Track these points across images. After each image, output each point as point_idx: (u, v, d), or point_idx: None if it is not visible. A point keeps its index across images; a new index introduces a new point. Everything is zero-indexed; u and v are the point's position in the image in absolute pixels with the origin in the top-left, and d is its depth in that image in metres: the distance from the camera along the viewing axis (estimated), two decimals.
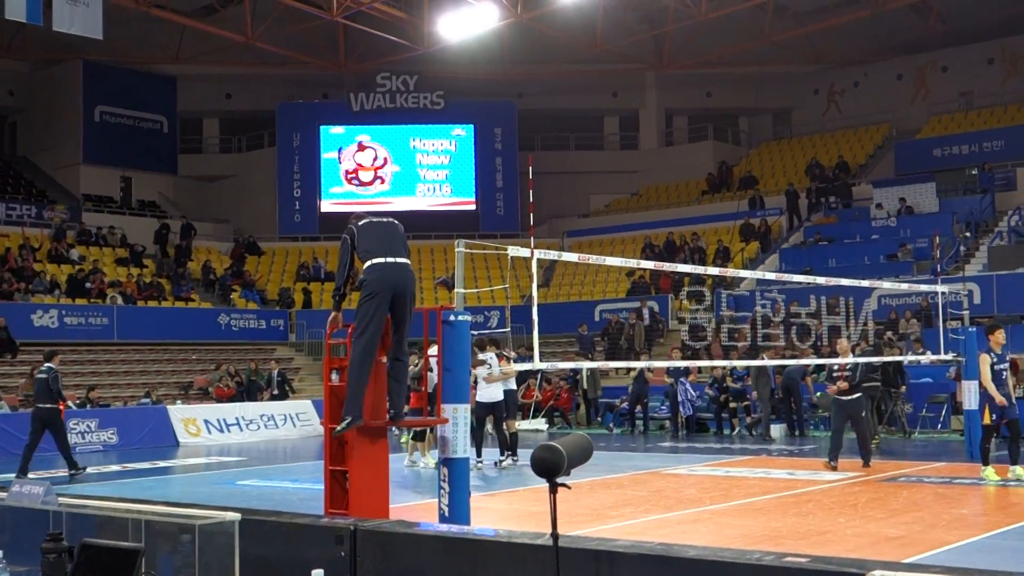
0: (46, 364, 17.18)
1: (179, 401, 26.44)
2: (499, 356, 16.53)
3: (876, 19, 36.05)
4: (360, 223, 8.98)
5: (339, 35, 37.95)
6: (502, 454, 16.81)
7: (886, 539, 9.65)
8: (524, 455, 15.87)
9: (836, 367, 15.67)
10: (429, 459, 16.50)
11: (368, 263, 8.77)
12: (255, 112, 41.36)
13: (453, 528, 6.96)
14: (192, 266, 35.44)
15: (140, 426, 23.25)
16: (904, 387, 21.35)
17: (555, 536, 4.46)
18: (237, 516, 5.30)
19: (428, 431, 16.25)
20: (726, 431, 23.27)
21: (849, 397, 15.39)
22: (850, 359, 15.61)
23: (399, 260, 8.73)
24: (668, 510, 11.90)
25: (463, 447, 9.29)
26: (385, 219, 9.08)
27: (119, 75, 38.79)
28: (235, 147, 43.42)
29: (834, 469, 15.05)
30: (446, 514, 9.13)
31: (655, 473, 15.89)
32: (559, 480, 4.47)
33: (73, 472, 16.84)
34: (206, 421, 24.32)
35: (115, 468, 18.59)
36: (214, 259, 36.67)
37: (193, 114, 42.06)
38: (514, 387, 17.40)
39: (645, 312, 28.74)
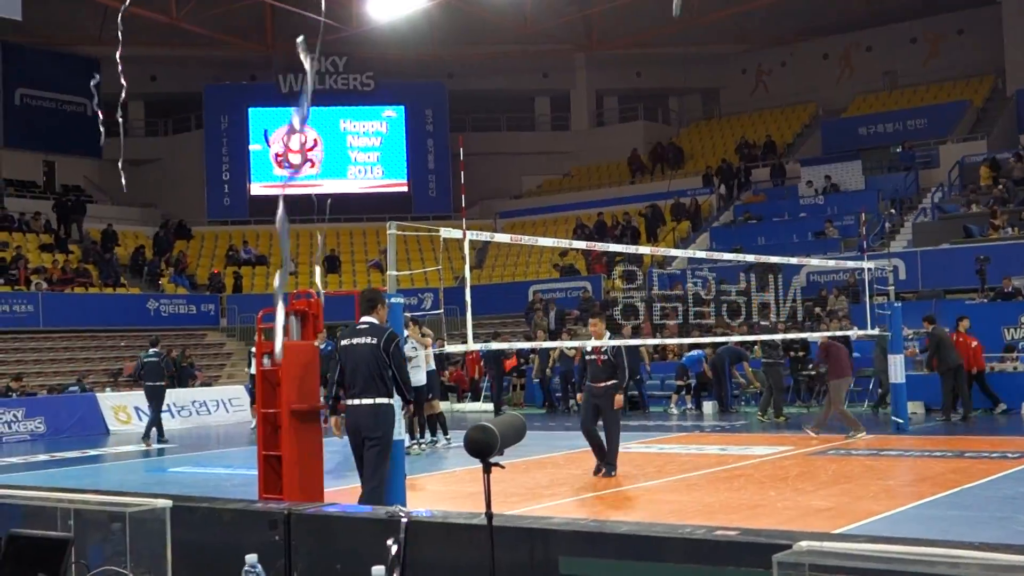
0: (152, 349, 20.35)
1: (108, 388, 26.07)
2: (413, 322, 16.28)
3: (802, 0, 36.49)
4: (341, 343, 9.00)
5: (266, 16, 37.51)
6: (422, 436, 16.72)
7: (815, 511, 9.82)
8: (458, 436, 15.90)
9: (590, 349, 13.13)
10: None
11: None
12: (181, 94, 40.76)
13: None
14: (120, 251, 34.88)
15: (69, 415, 22.90)
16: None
17: (489, 515, 4.48)
18: (168, 503, 5.25)
19: None
20: (664, 408, 23.48)
21: (602, 385, 12.78)
22: (606, 341, 12.84)
23: (357, 402, 8.74)
24: (603, 487, 11.99)
25: (398, 429, 9.28)
26: (359, 340, 8.86)
27: (40, 57, 37.96)
28: (161, 130, 42.78)
29: (607, 475, 12.69)
30: None
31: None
32: (492, 460, 4.48)
33: (152, 442, 19.79)
34: (137, 408, 24.00)
35: (43, 457, 18.31)
36: (142, 244, 36.11)
37: (117, 97, 40.99)
38: (434, 368, 17.31)
39: (552, 313, 28.56)
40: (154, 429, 20.18)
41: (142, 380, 20.47)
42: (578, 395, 14.52)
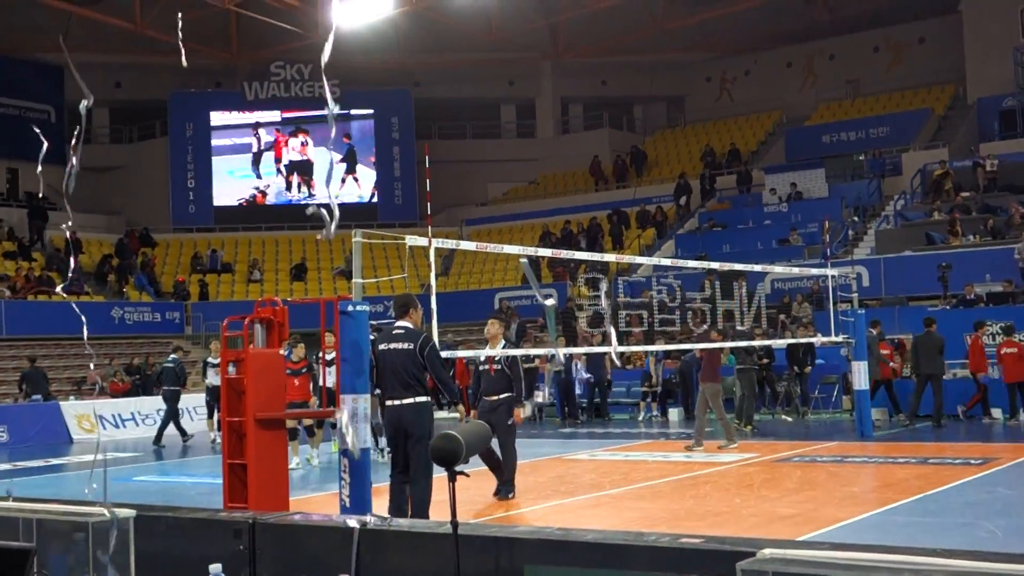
0: (172, 355, 21.80)
1: (72, 397, 25.83)
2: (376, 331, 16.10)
3: (765, 8, 36.81)
4: (379, 347, 9.31)
5: (231, 23, 37.37)
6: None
7: (780, 518, 9.86)
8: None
9: (483, 359, 11.87)
10: (311, 457, 16.27)
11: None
12: (146, 102, 40.48)
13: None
14: (83, 259, 34.59)
15: (32, 423, 22.68)
16: (809, 368, 21.80)
17: (454, 524, 4.48)
18: (132, 512, 5.21)
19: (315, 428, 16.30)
20: (630, 415, 23.56)
21: (494, 398, 11.67)
22: (499, 350, 11.73)
23: (396, 402, 9.18)
24: (568, 495, 12.00)
25: (363, 438, 9.26)
26: (396, 345, 9.19)
27: (2, 64, 37.63)
28: (126, 137, 42.47)
29: (504, 496, 11.58)
30: (347, 505, 9.10)
31: (556, 459, 16.00)
32: (458, 468, 4.49)
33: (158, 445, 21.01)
34: (100, 416, 23.81)
35: (5, 467, 18.10)
36: (107, 252, 35.83)
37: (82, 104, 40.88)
38: None
39: (514, 326, 28.42)
40: (178, 430, 21.47)
41: (161, 385, 21.81)
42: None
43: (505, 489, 11.65)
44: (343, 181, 39.15)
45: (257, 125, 39.27)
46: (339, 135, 39.46)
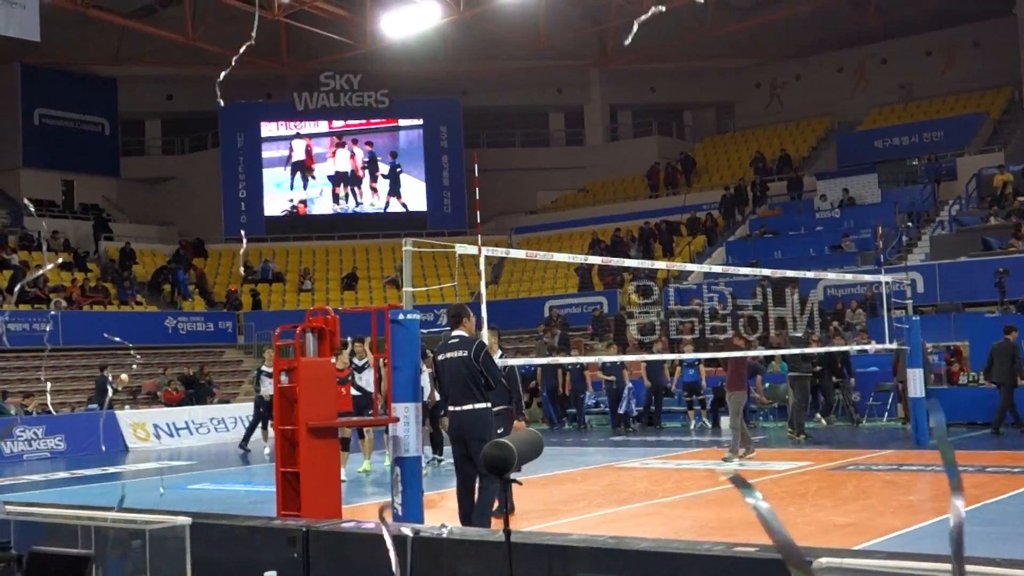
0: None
1: (128, 406, 26.15)
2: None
3: (815, 13, 36.56)
4: (437, 358, 9.66)
5: (281, 34, 37.70)
6: (438, 452, 16.24)
7: (835, 527, 9.77)
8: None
9: None
10: (366, 466, 16.20)
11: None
12: (198, 113, 40.88)
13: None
14: (137, 269, 35.03)
15: (88, 432, 22.96)
16: (853, 379, 21.58)
17: (507, 532, 4.48)
18: (188, 520, 5.27)
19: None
20: (681, 423, 23.46)
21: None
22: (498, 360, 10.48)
23: (456, 408, 9.43)
24: (621, 504, 11.96)
25: (415, 446, 9.31)
26: (451, 354, 9.44)
27: (58, 77, 38.24)
28: (178, 149, 42.97)
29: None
30: (399, 513, 9.14)
31: (608, 467, 15.96)
32: (510, 476, 4.49)
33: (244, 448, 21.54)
34: (155, 425, 24.09)
35: (63, 475, 18.36)
36: (160, 263, 36.28)
37: (135, 116, 41.55)
38: None
39: (556, 336, 28.28)
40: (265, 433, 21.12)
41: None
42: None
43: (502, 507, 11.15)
44: (374, 191, 39.54)
45: (296, 136, 39.55)
46: (361, 144, 39.73)
